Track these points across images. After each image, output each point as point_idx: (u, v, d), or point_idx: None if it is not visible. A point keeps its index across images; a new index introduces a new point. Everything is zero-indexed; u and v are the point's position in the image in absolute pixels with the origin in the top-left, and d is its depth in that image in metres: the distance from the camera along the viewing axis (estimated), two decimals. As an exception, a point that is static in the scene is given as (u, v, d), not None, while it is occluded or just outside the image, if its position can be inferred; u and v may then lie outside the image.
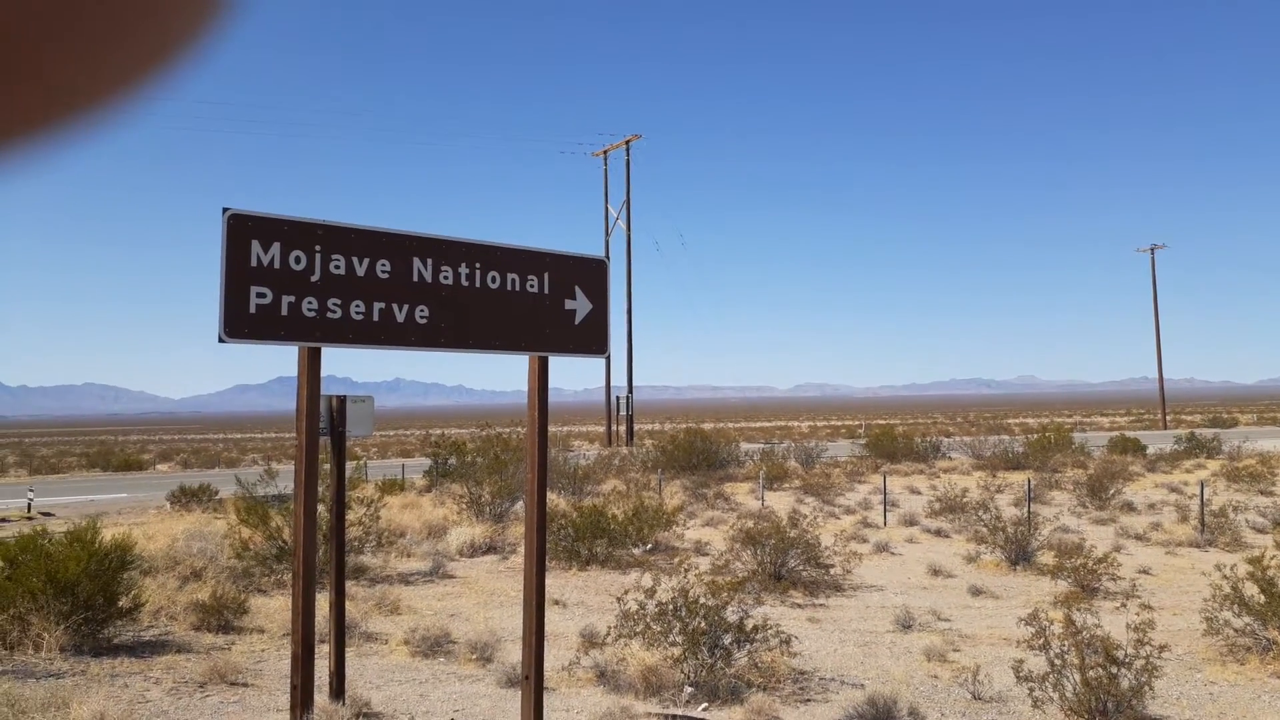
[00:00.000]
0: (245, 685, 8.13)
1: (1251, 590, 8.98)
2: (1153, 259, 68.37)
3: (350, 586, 11.16)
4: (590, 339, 6.29)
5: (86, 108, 0.58)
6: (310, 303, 5.06)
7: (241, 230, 4.87)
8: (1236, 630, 9.02)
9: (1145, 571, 13.26)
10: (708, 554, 14.42)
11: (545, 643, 6.24)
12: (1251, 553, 10.23)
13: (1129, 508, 19.93)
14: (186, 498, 21.66)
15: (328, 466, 7.37)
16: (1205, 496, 16.95)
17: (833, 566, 12.71)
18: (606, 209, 47.07)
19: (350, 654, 8.38)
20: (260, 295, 4.89)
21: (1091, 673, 6.71)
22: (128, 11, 0.55)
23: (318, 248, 5.12)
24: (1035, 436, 34.63)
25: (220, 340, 4.77)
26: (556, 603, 11.27)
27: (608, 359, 40.48)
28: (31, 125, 0.57)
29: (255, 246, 4.89)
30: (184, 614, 10.20)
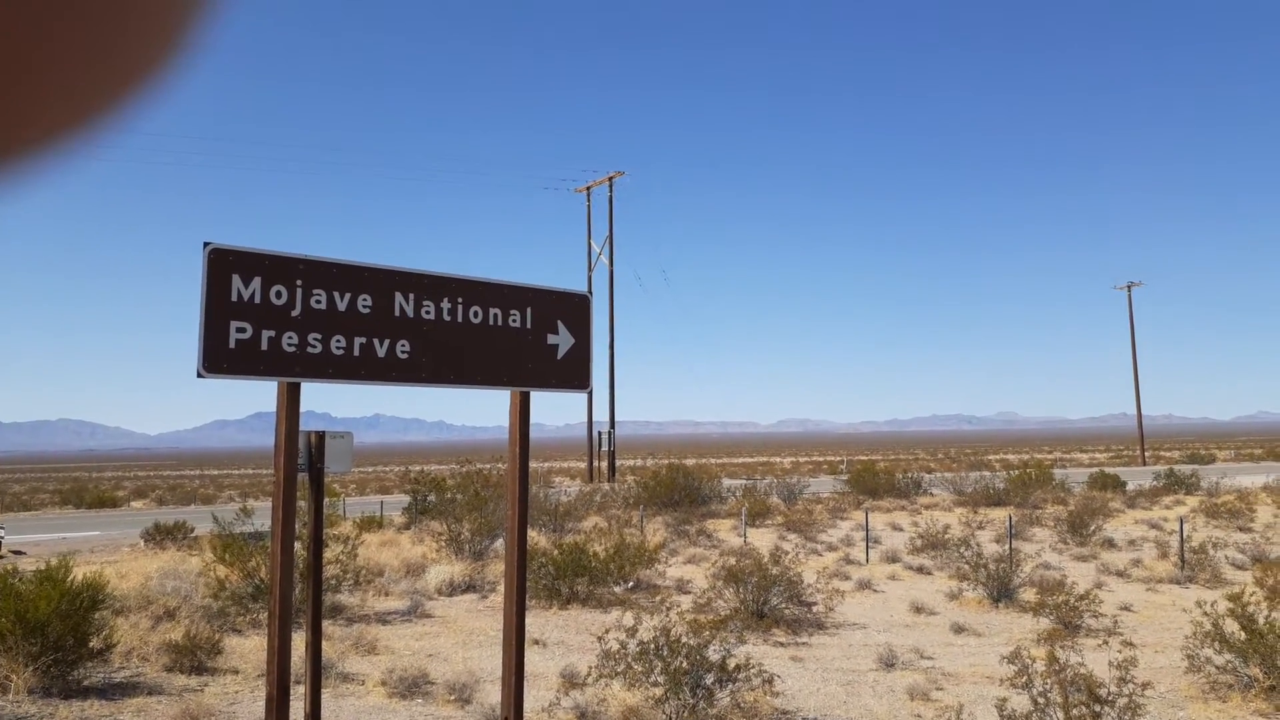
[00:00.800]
0: (218, 728, 7.96)
1: (1232, 627, 9.00)
2: (1129, 296, 69.20)
3: (327, 626, 10.99)
4: (572, 374, 6.28)
5: (55, 134, 0.57)
6: (290, 337, 5.03)
7: (222, 264, 4.84)
8: (1218, 667, 9.02)
9: (1127, 608, 13.26)
10: (690, 592, 14.32)
11: (525, 683, 6.15)
12: (1232, 589, 10.26)
13: (1110, 544, 19.98)
14: (161, 535, 21.35)
15: (305, 503, 7.28)
16: (1185, 533, 17.02)
17: (815, 604, 12.65)
18: (589, 245, 47.26)
19: (326, 695, 8.23)
20: (240, 330, 4.85)
21: (1075, 711, 6.68)
22: (98, 34, 0.54)
23: (299, 282, 5.10)
24: (1016, 473, 34.76)
25: (199, 375, 4.72)
26: (537, 642, 11.14)
27: (590, 394, 40.44)
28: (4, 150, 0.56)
29: (236, 281, 4.86)
30: (156, 655, 10.01)
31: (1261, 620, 8.82)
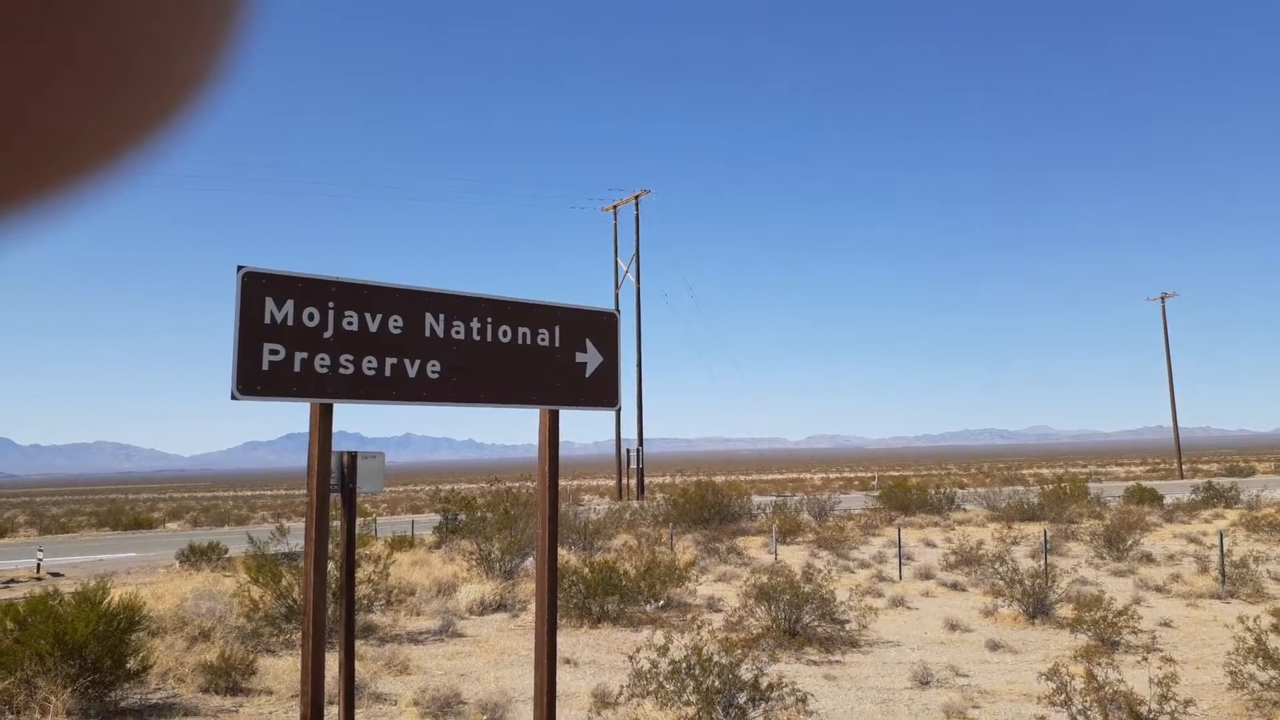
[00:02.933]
0: (253, 748, 8.01)
1: (1276, 642, 8.81)
2: (1163, 308, 68.35)
3: (359, 646, 11.04)
4: (601, 392, 6.29)
5: (94, 165, 0.58)
6: (323, 359, 5.09)
7: (255, 287, 4.91)
8: (1262, 684, 8.83)
9: (1166, 624, 13.03)
10: (721, 610, 14.24)
11: (557, 702, 6.14)
12: (1275, 604, 10.06)
13: (1147, 559, 19.65)
14: (195, 556, 21.56)
15: (338, 523, 7.33)
16: (1225, 547, 16.71)
17: (848, 622, 12.53)
18: (616, 263, 47.42)
19: (360, 715, 8.26)
20: (273, 352, 4.91)
21: (1116, 729, 6.57)
22: (131, 69, 0.56)
23: (331, 304, 5.16)
24: (1050, 487, 34.30)
25: (233, 397, 4.78)
26: (568, 661, 11.12)
27: (618, 412, 40.44)
28: (41, 185, 0.57)
29: (269, 303, 4.93)
30: (192, 675, 10.09)
31: (1306, 636, 8.63)
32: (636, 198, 47.14)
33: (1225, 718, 8.55)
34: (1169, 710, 6.62)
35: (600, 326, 6.36)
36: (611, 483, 53.53)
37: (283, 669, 10.71)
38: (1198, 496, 34.53)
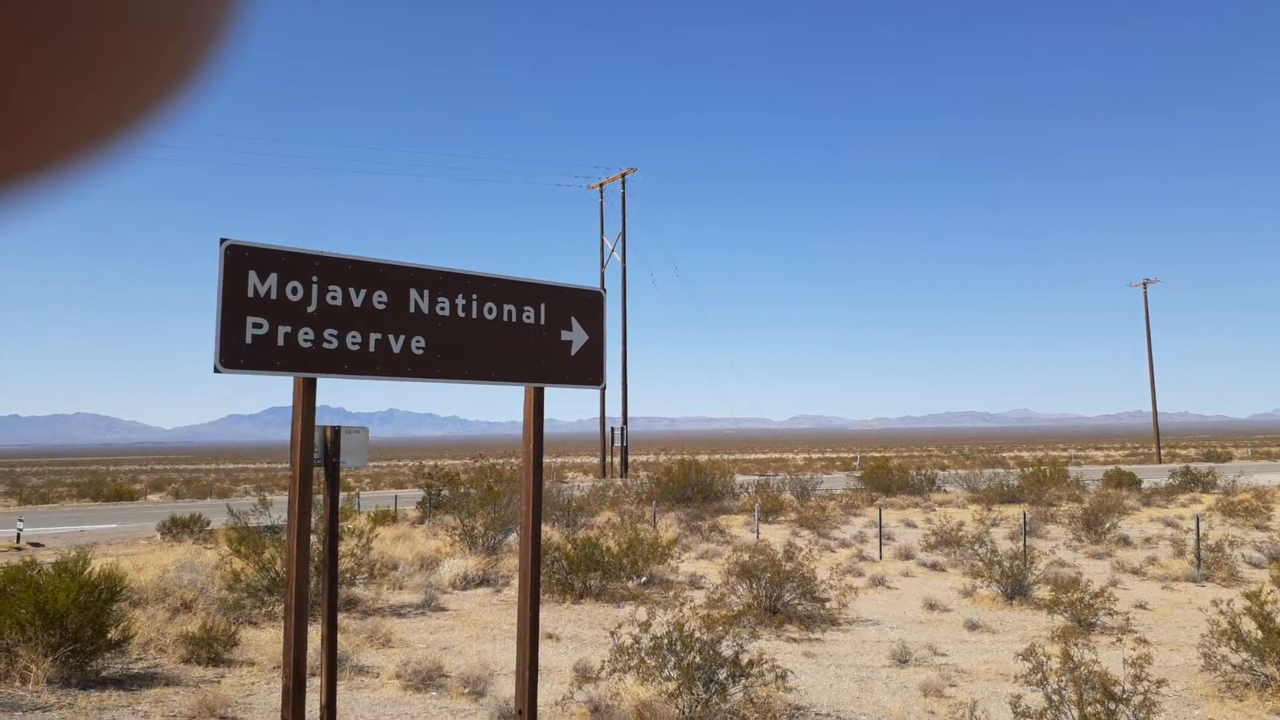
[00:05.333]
0: (234, 719, 8.03)
1: (1249, 626, 8.95)
2: (1145, 294, 68.76)
3: (342, 619, 11.06)
4: (586, 370, 6.30)
5: (89, 146, 0.58)
6: (306, 333, 5.06)
7: (239, 261, 4.88)
8: (1234, 666, 8.97)
9: (1142, 606, 13.20)
10: (703, 587, 14.33)
11: (539, 676, 6.18)
12: (1248, 588, 10.21)
13: (1125, 542, 19.88)
14: (177, 528, 21.50)
15: (321, 497, 7.33)
16: (1201, 531, 16.92)
17: (828, 600, 12.64)
18: (602, 241, 47.28)
19: (341, 687, 8.29)
20: (256, 325, 4.89)
21: (1090, 709, 6.66)
22: (126, 50, 0.55)
23: (315, 278, 5.13)
24: (1030, 470, 34.60)
25: (216, 370, 4.76)
26: (550, 636, 11.18)
27: (603, 390, 40.46)
28: (35, 165, 0.57)
29: (252, 277, 4.90)
30: (173, 646, 10.09)
31: (1279, 619, 8.77)
32: (623, 176, 46.95)
33: (1198, 699, 8.68)
34: (1142, 690, 6.71)
35: (586, 304, 6.35)
36: (596, 460, 53.67)
37: (265, 640, 10.73)
38: (1175, 481, 34.90)
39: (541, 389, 6.10)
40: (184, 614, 11.59)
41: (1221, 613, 9.13)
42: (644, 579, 14.77)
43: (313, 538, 5.98)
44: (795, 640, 11.24)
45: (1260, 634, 8.74)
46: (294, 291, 5.04)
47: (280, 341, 4.97)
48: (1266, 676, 8.68)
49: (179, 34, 0.57)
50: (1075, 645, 7.47)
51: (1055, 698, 6.86)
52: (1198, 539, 16.51)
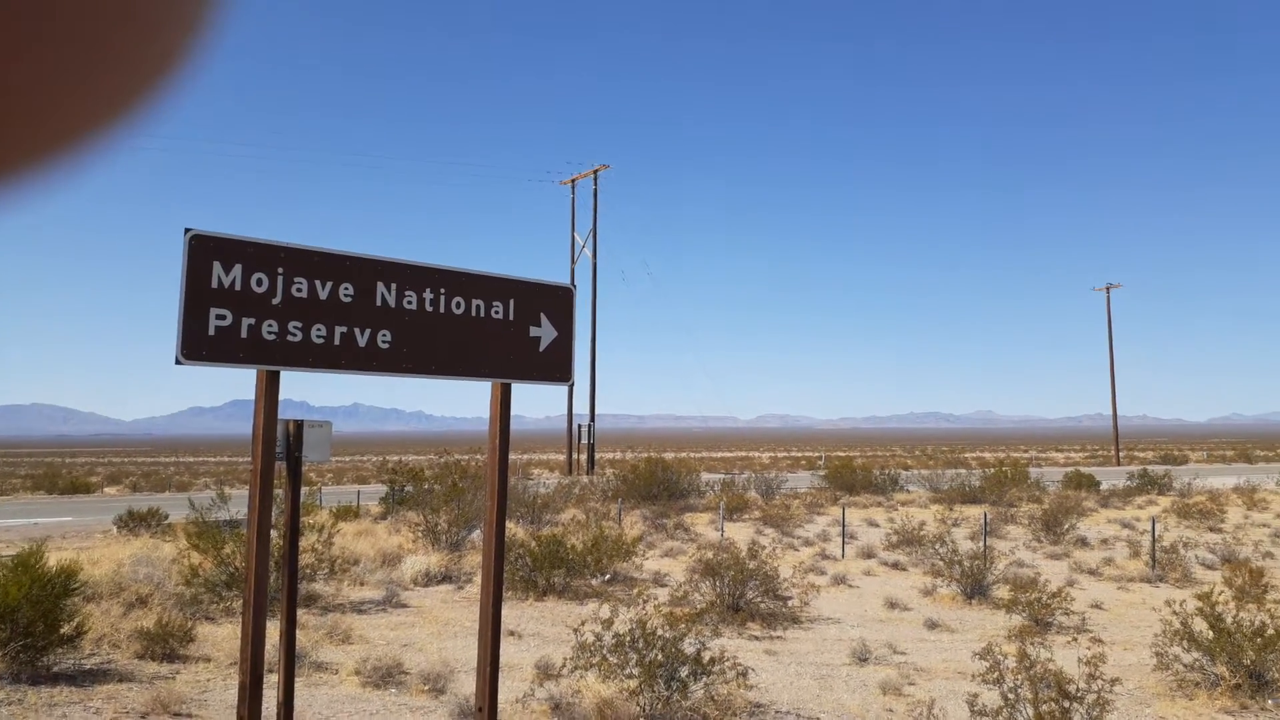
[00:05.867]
0: (189, 716, 7.93)
1: (1201, 626, 9.13)
2: (1108, 298, 69.85)
3: (301, 615, 10.97)
4: (554, 367, 6.28)
5: (70, 141, 0.58)
6: (271, 325, 5.01)
7: (203, 251, 4.81)
8: (1186, 665, 9.15)
9: (1098, 606, 13.42)
10: (666, 585, 14.37)
11: (500, 674, 6.16)
12: (1201, 589, 10.41)
13: (1083, 543, 20.19)
14: (134, 522, 21.18)
15: (282, 491, 7.25)
16: (1156, 533, 17.23)
17: (791, 598, 12.72)
18: (573, 237, 47.20)
19: (300, 684, 8.22)
20: (220, 317, 4.82)
21: (1044, 707, 6.76)
22: (110, 44, 0.55)
23: (280, 270, 5.07)
24: (992, 471, 35.03)
25: (178, 362, 4.69)
26: (512, 633, 11.15)
27: (571, 387, 40.41)
28: (17, 160, 0.56)
29: (216, 268, 4.83)
30: (128, 642, 9.94)
31: (1229, 620, 8.95)
32: (595, 172, 46.89)
33: (1150, 697, 8.85)
34: (1096, 689, 6.82)
35: (555, 301, 6.33)
36: (562, 457, 53.58)
37: (222, 636, 10.60)
38: (1133, 483, 35.51)
39: (509, 385, 6.08)
40: (139, 609, 11.42)
41: (1174, 613, 9.31)
42: (608, 576, 14.77)
43: (273, 533, 5.92)
44: (757, 638, 11.30)
45: (1211, 634, 8.92)
46: (259, 283, 4.98)
47: (244, 333, 4.91)
48: (1217, 676, 8.86)
49: (161, 29, 0.57)
50: (1032, 644, 7.58)
51: (1011, 696, 6.95)
52: (1153, 541, 16.81)
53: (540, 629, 11.73)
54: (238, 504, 19.03)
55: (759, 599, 12.34)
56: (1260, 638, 8.66)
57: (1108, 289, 70.24)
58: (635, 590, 12.59)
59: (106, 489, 44.68)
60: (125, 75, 0.57)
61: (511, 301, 6.06)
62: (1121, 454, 75.22)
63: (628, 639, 8.09)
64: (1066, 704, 6.76)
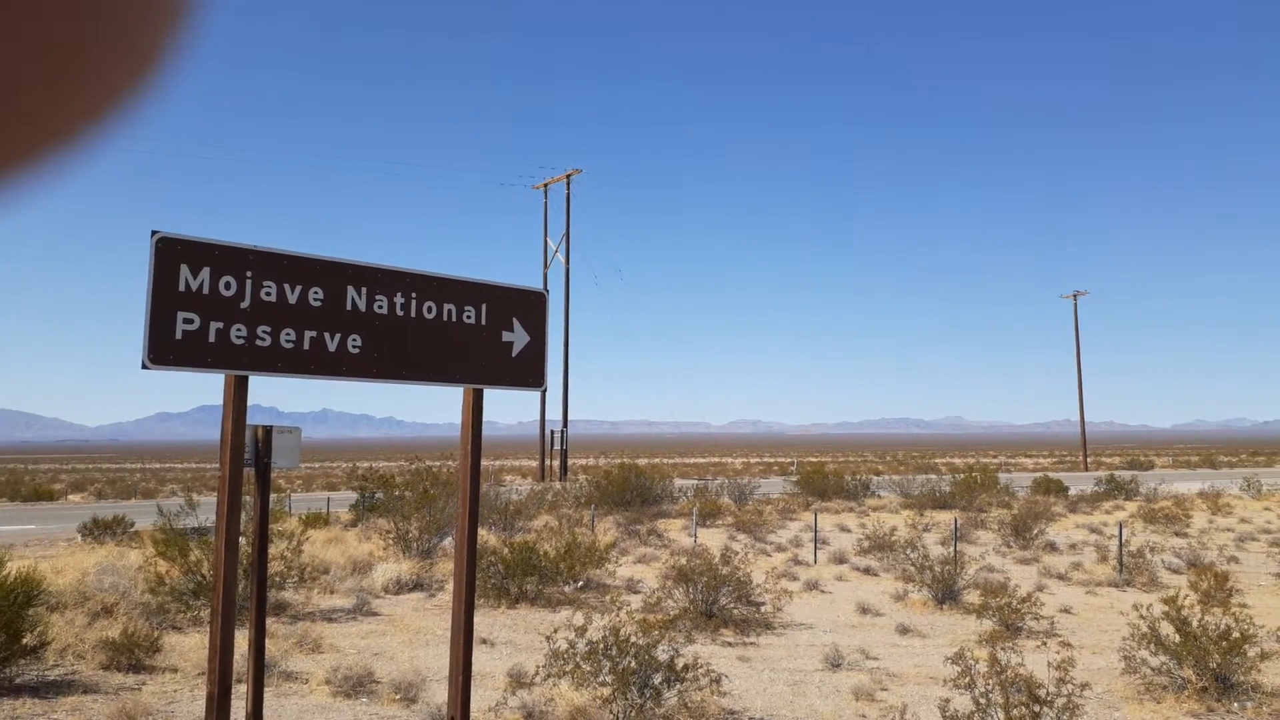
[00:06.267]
0: (156, 727, 7.80)
1: (1167, 630, 9.23)
2: (1075, 305, 70.71)
3: (270, 623, 10.83)
4: (527, 372, 6.25)
5: (49, 144, 0.57)
6: (239, 329, 4.94)
7: (170, 254, 4.74)
8: (1153, 669, 9.25)
9: (1066, 610, 13.54)
10: (640, 591, 14.33)
11: (472, 682, 6.11)
12: (1167, 593, 10.53)
13: (1051, 548, 20.38)
14: (99, 530, 20.84)
15: (251, 498, 7.16)
16: (1124, 537, 17.42)
17: (763, 604, 12.73)
18: (546, 242, 47.12)
19: (269, 694, 8.11)
20: (188, 321, 4.76)
21: (1015, 711, 6.80)
22: (85, 51, 0.54)
23: (248, 273, 5.01)
24: (962, 476, 35.31)
25: (144, 366, 4.62)
26: (484, 641, 11.07)
27: (543, 392, 40.28)
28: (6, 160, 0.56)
29: (184, 271, 4.77)
30: (92, 652, 9.77)
31: (1195, 623, 9.06)
32: (568, 177, 46.85)
33: (1118, 700, 8.93)
34: (1065, 693, 6.87)
35: (528, 306, 6.30)
36: (535, 463, 53.37)
37: (189, 646, 10.45)
38: (1100, 488, 35.92)
39: (481, 390, 6.04)
40: (104, 619, 11.23)
41: (1142, 617, 9.41)
42: (581, 583, 14.72)
43: (241, 540, 5.84)
44: (730, 644, 11.30)
45: (1178, 638, 9.02)
46: (227, 287, 4.92)
47: (212, 338, 4.84)
48: (1183, 679, 8.96)
49: (136, 34, 0.56)
50: (1002, 649, 7.63)
51: (982, 700, 6.99)
52: (1120, 545, 17.00)
53: (513, 637, 11.66)
54: (205, 511, 18.77)
55: (732, 605, 12.34)
56: (1225, 641, 8.77)
57: (1075, 296, 71.13)
58: (608, 597, 12.55)
59: (71, 496, 43.96)
60: (99, 81, 0.56)
61: (484, 306, 6.02)
62: (1089, 459, 76.11)
63: (601, 646, 8.05)
64: (1037, 708, 6.80)
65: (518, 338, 6.19)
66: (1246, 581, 15.85)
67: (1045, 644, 10.64)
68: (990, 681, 7.07)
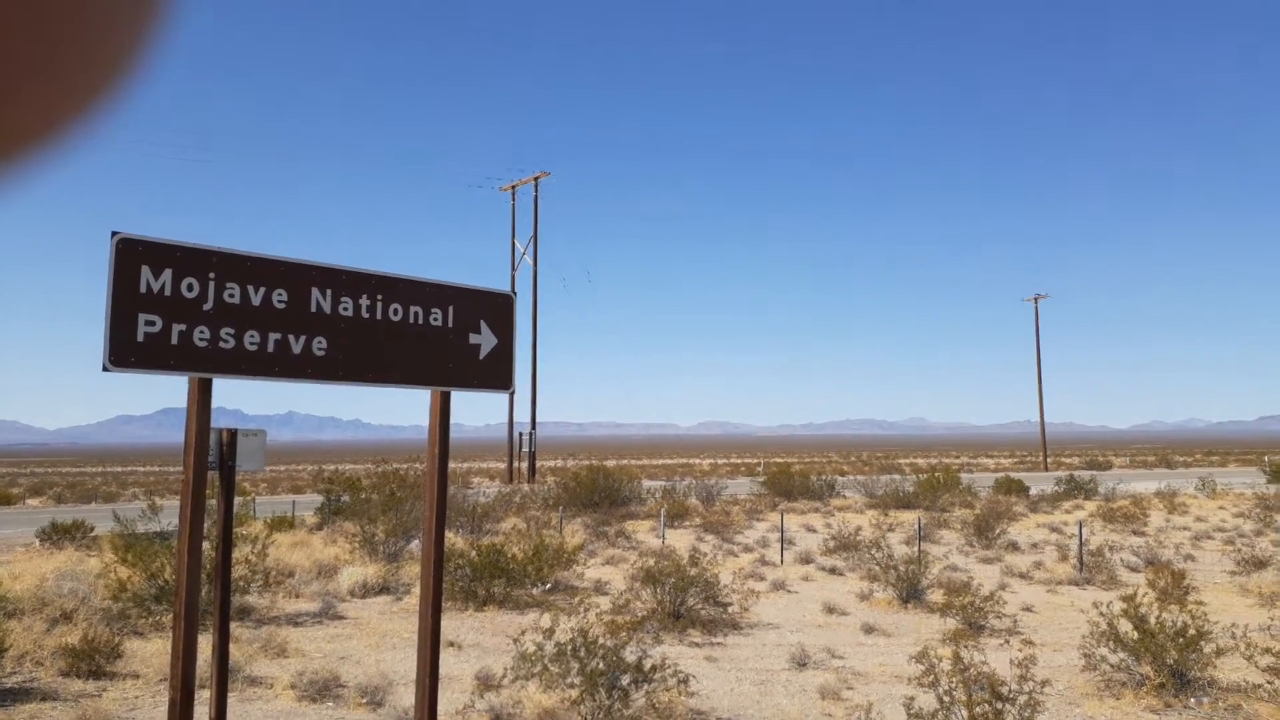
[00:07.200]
0: (117, 734, 7.70)
1: (1126, 627, 9.40)
2: (1036, 308, 71.68)
3: (234, 628, 10.71)
4: (495, 374, 6.24)
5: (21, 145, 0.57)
6: (202, 332, 4.90)
7: (131, 255, 4.69)
8: (1112, 666, 9.41)
9: (1028, 609, 13.73)
10: (608, 593, 14.34)
11: (440, 685, 6.09)
12: (1126, 591, 10.71)
13: (1013, 547, 20.65)
14: (58, 534, 20.48)
15: (215, 502, 7.08)
16: (1083, 536, 17.69)
17: (731, 605, 12.79)
18: (514, 244, 46.98)
19: (233, 699, 8.03)
20: (149, 323, 4.70)
21: (978, 709, 6.89)
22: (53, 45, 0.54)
23: (211, 275, 4.96)
24: (925, 477, 35.66)
25: (105, 369, 4.56)
26: (452, 644, 11.03)
27: (511, 394, 40.14)
28: None
29: (145, 272, 4.71)
30: (51, 659, 9.61)
31: (1153, 620, 9.23)
32: (536, 179, 46.76)
33: (1078, 697, 9.07)
34: (1027, 690, 6.98)
35: (496, 308, 6.29)
36: (502, 465, 53.19)
37: (151, 652, 10.31)
38: (1060, 488, 36.44)
39: (448, 393, 6.02)
40: (64, 624, 11.05)
41: (1101, 615, 9.57)
42: (549, 585, 14.70)
43: (205, 544, 5.78)
44: (698, 645, 11.34)
45: (1136, 635, 9.19)
46: (190, 288, 4.87)
47: (174, 340, 4.79)
48: (1141, 675, 9.13)
49: (112, 29, 0.56)
50: (965, 647, 7.72)
51: (946, 699, 7.08)
52: (1080, 544, 17.27)
53: (480, 639, 11.62)
54: (169, 515, 18.52)
55: (700, 606, 12.39)
56: (1182, 638, 8.94)
57: (1036, 300, 72.12)
58: (576, 599, 12.55)
59: (29, 500, 43.13)
60: (65, 85, 0.56)
61: (451, 308, 6.00)
62: (1049, 460, 77.16)
63: (569, 648, 8.05)
64: (999, 705, 6.90)
65: (485, 340, 6.18)
66: (1202, 579, 16.16)
67: (1008, 642, 10.82)
68: (954, 679, 7.16)
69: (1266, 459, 72.72)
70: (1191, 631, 9.00)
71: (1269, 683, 8.50)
